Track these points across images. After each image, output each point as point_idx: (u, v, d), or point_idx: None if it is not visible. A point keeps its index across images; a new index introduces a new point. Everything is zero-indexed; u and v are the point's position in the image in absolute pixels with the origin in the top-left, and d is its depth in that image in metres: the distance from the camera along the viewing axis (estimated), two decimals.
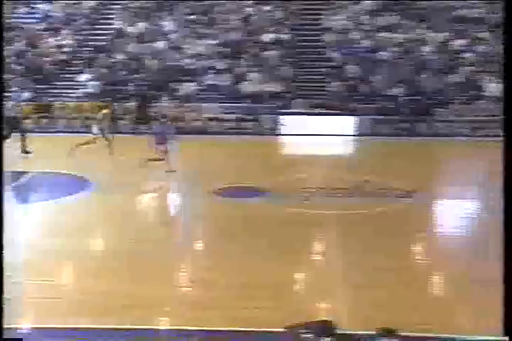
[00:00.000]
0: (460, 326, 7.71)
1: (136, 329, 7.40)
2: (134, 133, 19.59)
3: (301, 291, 8.96)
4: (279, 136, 19.84)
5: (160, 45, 23.74)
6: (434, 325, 7.55)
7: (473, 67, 22.15)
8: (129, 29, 24.41)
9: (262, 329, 7.33)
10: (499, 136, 22.28)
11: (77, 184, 14.14)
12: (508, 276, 5.05)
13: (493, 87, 20.87)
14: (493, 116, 20.19)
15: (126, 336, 7.23)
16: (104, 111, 16.95)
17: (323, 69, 23.04)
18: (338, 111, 20.81)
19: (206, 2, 25.31)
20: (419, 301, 8.35)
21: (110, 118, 17.23)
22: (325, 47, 23.93)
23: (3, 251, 5.98)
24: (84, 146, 15.98)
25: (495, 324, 7.17)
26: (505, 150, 5.60)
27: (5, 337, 5.87)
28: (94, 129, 16.45)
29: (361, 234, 11.04)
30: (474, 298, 8.44)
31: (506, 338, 4.92)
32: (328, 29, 24.53)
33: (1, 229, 6.54)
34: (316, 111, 20.95)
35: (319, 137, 19.59)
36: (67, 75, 22.96)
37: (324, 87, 22.29)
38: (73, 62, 23.52)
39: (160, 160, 14.64)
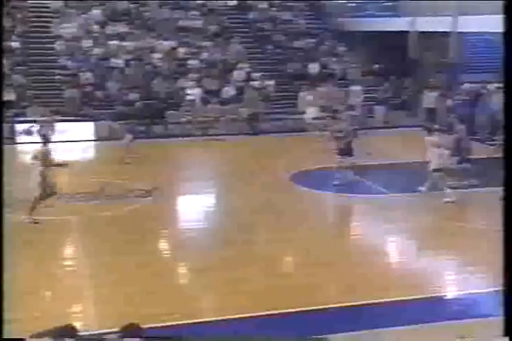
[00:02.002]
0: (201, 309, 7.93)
1: None
2: None
3: (56, 297, 8.25)
4: (17, 145, 18.25)
5: None
6: (179, 315, 7.52)
7: (198, 73, 22.62)
8: None
9: None
10: (225, 134, 22.95)
11: None
12: (508, 276, 5.15)
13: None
14: (221, 117, 20.88)
15: None
16: None
17: (58, 77, 21.77)
18: (75, 118, 19.78)
19: None
20: (165, 293, 8.23)
21: None
22: (58, 55, 22.66)
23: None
24: None
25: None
26: (506, 151, 5.65)
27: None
28: None
29: (106, 235, 10.64)
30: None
31: (506, 338, 4.80)
32: (59, 37, 23.30)
33: (1, 225, 6.41)
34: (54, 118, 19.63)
35: (58, 144, 18.35)
36: None
37: (60, 94, 21.07)
38: None
39: None
